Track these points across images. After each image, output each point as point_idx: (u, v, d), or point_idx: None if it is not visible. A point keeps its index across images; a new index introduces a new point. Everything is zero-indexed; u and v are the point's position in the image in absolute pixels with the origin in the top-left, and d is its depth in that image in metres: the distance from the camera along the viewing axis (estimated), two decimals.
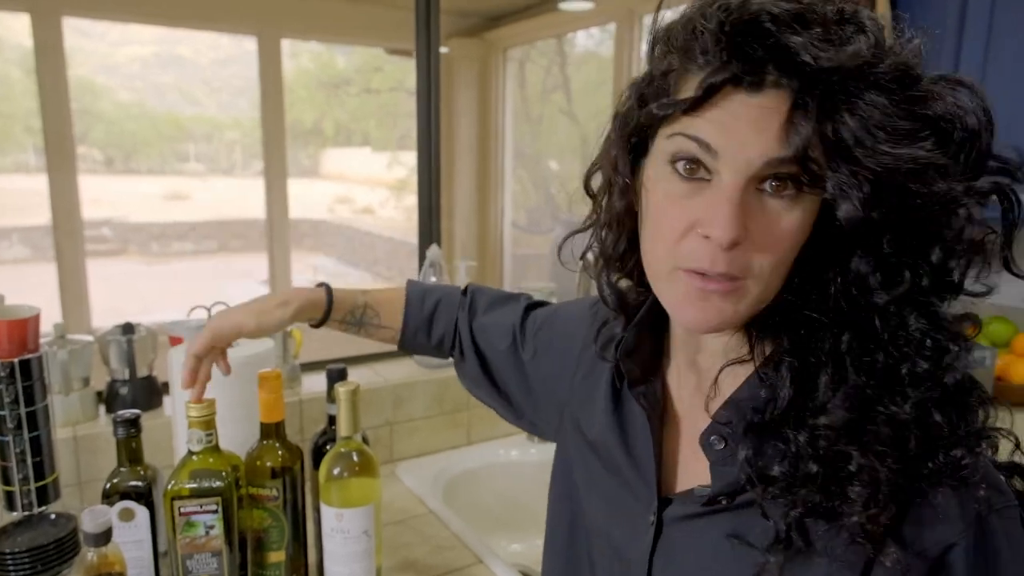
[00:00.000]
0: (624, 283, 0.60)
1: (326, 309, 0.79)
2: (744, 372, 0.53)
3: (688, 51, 0.47)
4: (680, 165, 0.48)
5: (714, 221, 0.46)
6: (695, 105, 0.46)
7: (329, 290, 0.81)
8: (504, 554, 1.29)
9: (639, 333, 0.60)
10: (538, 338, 0.78)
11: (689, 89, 0.47)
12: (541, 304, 0.83)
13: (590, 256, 0.62)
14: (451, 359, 0.86)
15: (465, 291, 0.85)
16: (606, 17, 3.27)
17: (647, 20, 0.48)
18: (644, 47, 0.53)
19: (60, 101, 3.12)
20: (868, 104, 0.43)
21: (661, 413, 0.61)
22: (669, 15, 0.52)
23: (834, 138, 0.44)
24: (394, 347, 0.86)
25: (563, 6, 3.28)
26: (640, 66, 0.52)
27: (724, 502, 0.53)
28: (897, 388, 0.47)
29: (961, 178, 0.45)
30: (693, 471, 0.57)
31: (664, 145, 0.49)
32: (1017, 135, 0.47)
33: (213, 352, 0.77)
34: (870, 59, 0.43)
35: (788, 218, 0.47)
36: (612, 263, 0.59)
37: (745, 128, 0.45)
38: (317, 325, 0.81)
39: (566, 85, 4.13)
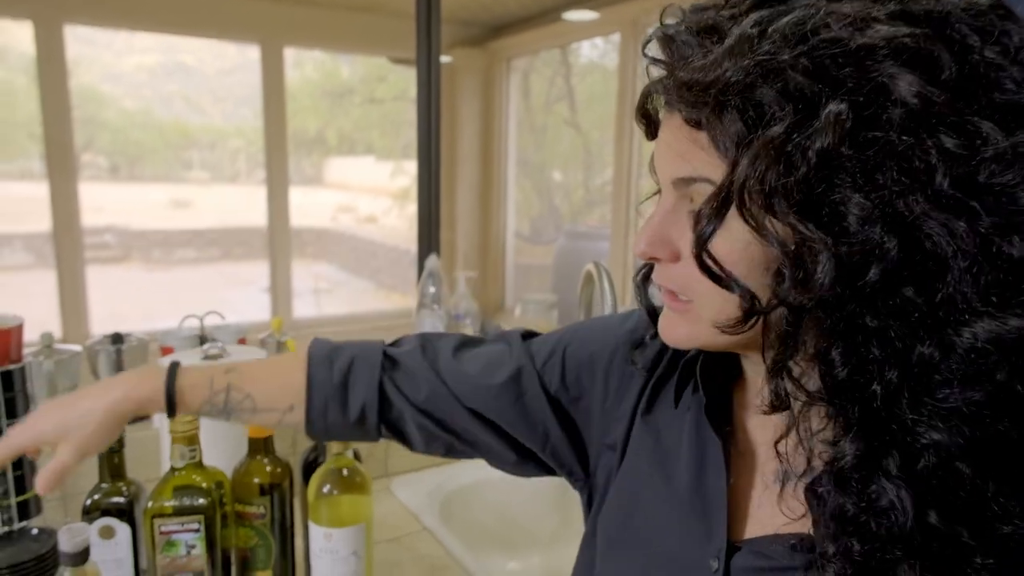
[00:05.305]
0: None
1: (166, 407, 0.62)
2: None
3: None
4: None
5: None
6: (644, 121, 0.50)
7: (171, 378, 0.63)
8: (500, 573, 1.26)
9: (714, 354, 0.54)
10: (552, 364, 0.65)
11: None
12: (534, 334, 0.69)
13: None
14: (377, 436, 0.67)
15: (395, 343, 0.69)
16: (610, 27, 3.26)
17: (651, 31, 0.49)
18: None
19: (61, 108, 3.12)
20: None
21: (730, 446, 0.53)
22: None
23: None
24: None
25: (567, 16, 3.27)
26: (644, 77, 0.52)
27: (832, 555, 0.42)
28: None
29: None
30: (766, 515, 0.50)
31: None
32: None
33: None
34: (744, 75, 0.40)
35: (716, 242, 0.43)
36: None
37: (662, 147, 0.47)
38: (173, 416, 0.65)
39: (570, 96, 4.12)
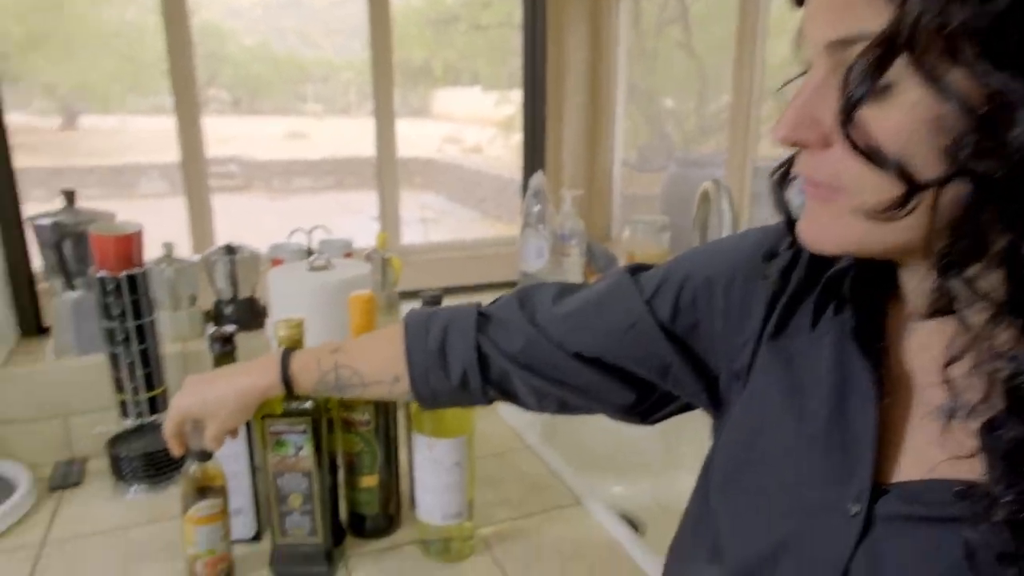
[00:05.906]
0: None
1: (284, 392, 0.70)
2: None
3: None
4: None
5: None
6: None
7: (285, 366, 0.70)
8: (604, 496, 1.24)
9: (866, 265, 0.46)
10: (663, 293, 0.58)
11: None
12: (644, 267, 0.63)
13: None
14: (484, 399, 0.66)
15: (493, 302, 0.67)
16: None
17: None
18: None
19: (185, 45, 3.25)
20: None
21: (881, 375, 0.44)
22: None
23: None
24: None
25: None
26: None
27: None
28: None
29: None
30: (920, 454, 0.42)
31: None
32: None
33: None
34: None
35: (879, 121, 0.35)
36: None
37: (816, 5, 0.38)
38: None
39: (684, 17, 3.84)
